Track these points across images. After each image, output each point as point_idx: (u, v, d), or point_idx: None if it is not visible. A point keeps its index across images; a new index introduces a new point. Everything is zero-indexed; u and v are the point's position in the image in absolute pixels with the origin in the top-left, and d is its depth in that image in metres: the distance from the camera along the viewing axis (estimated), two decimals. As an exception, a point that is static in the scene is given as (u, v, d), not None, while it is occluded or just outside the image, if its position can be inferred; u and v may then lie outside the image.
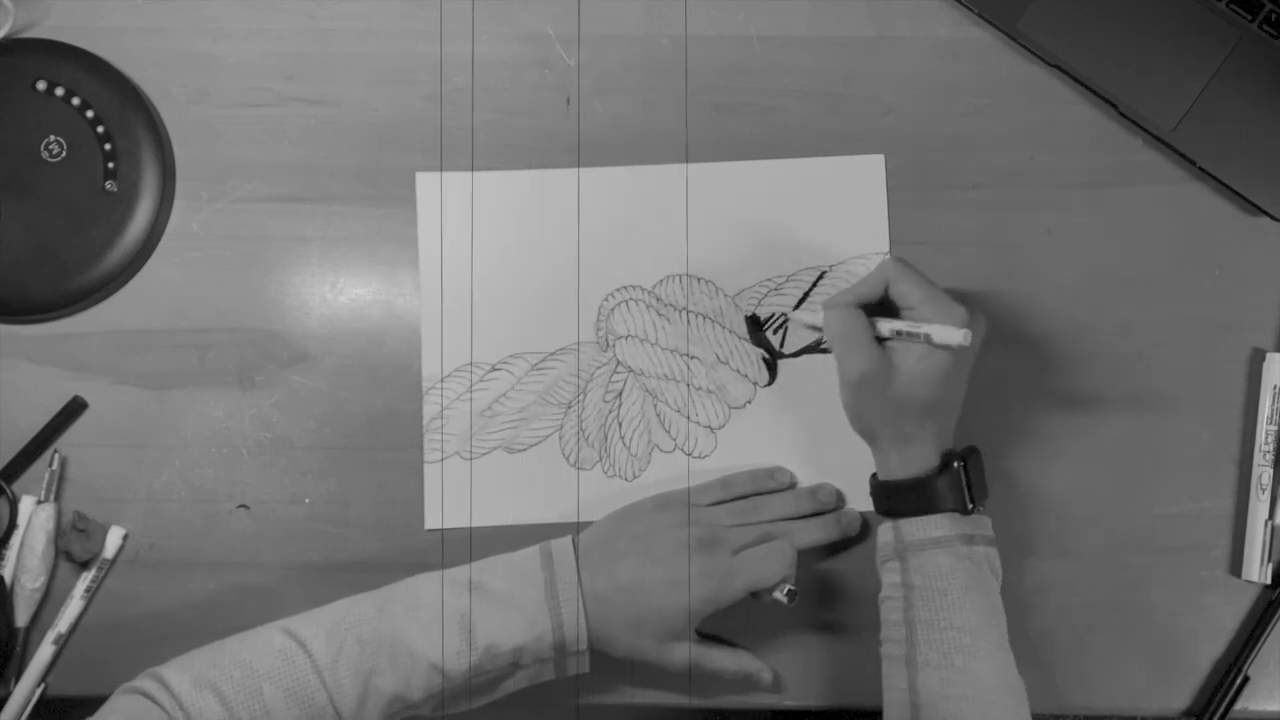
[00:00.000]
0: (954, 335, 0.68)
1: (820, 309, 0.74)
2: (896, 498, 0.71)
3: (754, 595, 0.72)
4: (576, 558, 0.71)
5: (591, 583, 0.70)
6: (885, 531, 0.72)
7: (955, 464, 0.70)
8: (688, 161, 0.80)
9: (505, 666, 0.69)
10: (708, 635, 0.74)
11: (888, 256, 0.73)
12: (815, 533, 0.76)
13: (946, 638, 0.68)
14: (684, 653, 0.71)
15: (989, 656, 0.68)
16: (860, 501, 0.77)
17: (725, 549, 0.72)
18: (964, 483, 0.70)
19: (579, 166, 0.80)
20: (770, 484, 0.77)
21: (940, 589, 0.68)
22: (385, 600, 0.69)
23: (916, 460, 0.71)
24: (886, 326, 0.71)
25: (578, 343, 0.79)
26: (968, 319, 0.69)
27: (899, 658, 0.69)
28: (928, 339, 0.69)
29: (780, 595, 0.72)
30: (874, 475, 0.74)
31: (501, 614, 0.68)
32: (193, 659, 0.67)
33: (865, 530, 0.78)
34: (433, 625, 0.67)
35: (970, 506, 0.70)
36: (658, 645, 0.71)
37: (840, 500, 0.78)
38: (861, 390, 0.71)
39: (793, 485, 0.78)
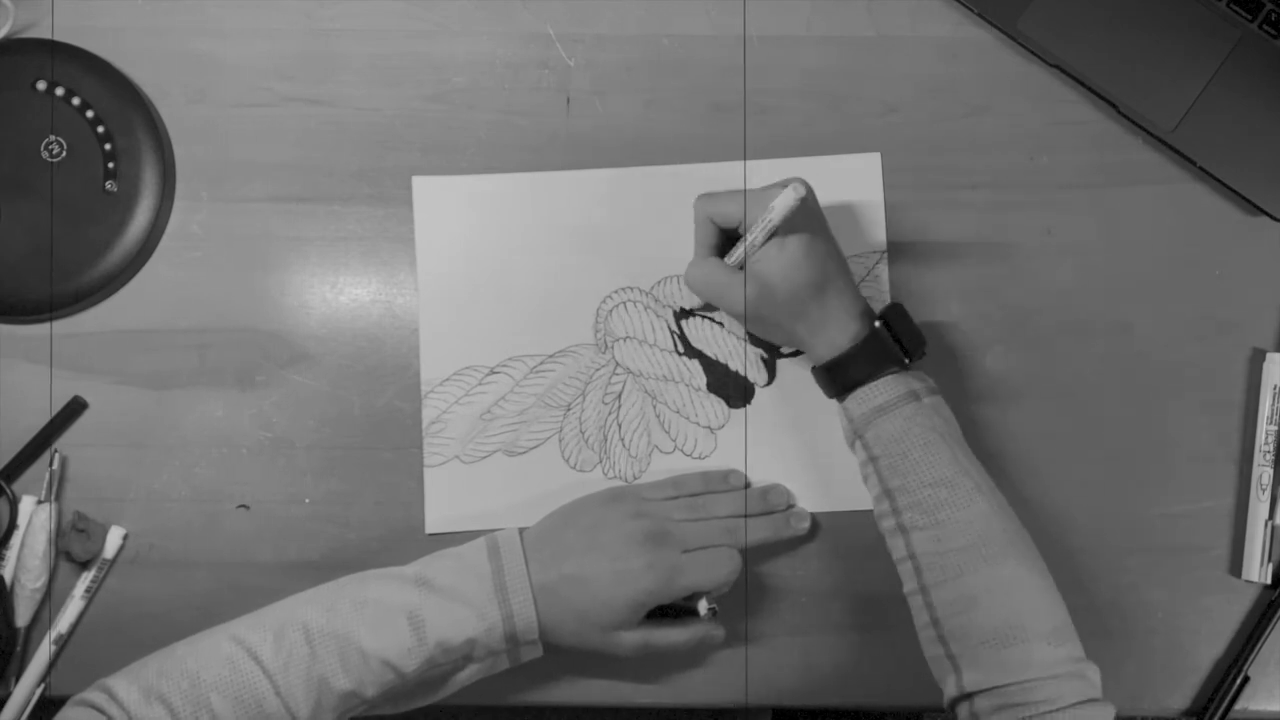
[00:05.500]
0: (788, 197, 0.69)
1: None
2: (836, 376, 0.72)
3: (687, 597, 0.73)
4: (524, 548, 0.71)
5: (539, 574, 0.70)
6: (840, 416, 0.73)
7: (876, 323, 0.71)
8: (685, 162, 0.80)
9: (458, 660, 0.69)
10: (652, 613, 0.73)
11: (697, 199, 0.75)
12: (764, 530, 0.76)
13: (924, 496, 0.69)
14: (631, 640, 0.71)
15: (969, 504, 0.69)
16: (863, 503, 0.77)
17: (674, 545, 0.72)
18: (891, 338, 0.71)
19: (578, 168, 0.80)
20: (722, 485, 0.77)
21: (900, 452, 0.70)
22: (332, 599, 0.69)
23: (838, 335, 0.72)
24: (740, 249, 0.73)
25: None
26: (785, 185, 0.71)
27: (892, 528, 0.71)
28: (775, 227, 0.70)
29: (703, 610, 0.72)
30: (813, 366, 0.75)
31: (451, 609, 0.68)
32: (141, 669, 0.66)
33: (815, 530, 0.78)
34: (382, 623, 0.68)
35: (906, 361, 0.71)
36: (604, 635, 0.71)
37: (791, 502, 0.78)
38: (756, 312, 0.73)
39: (746, 487, 0.78)
